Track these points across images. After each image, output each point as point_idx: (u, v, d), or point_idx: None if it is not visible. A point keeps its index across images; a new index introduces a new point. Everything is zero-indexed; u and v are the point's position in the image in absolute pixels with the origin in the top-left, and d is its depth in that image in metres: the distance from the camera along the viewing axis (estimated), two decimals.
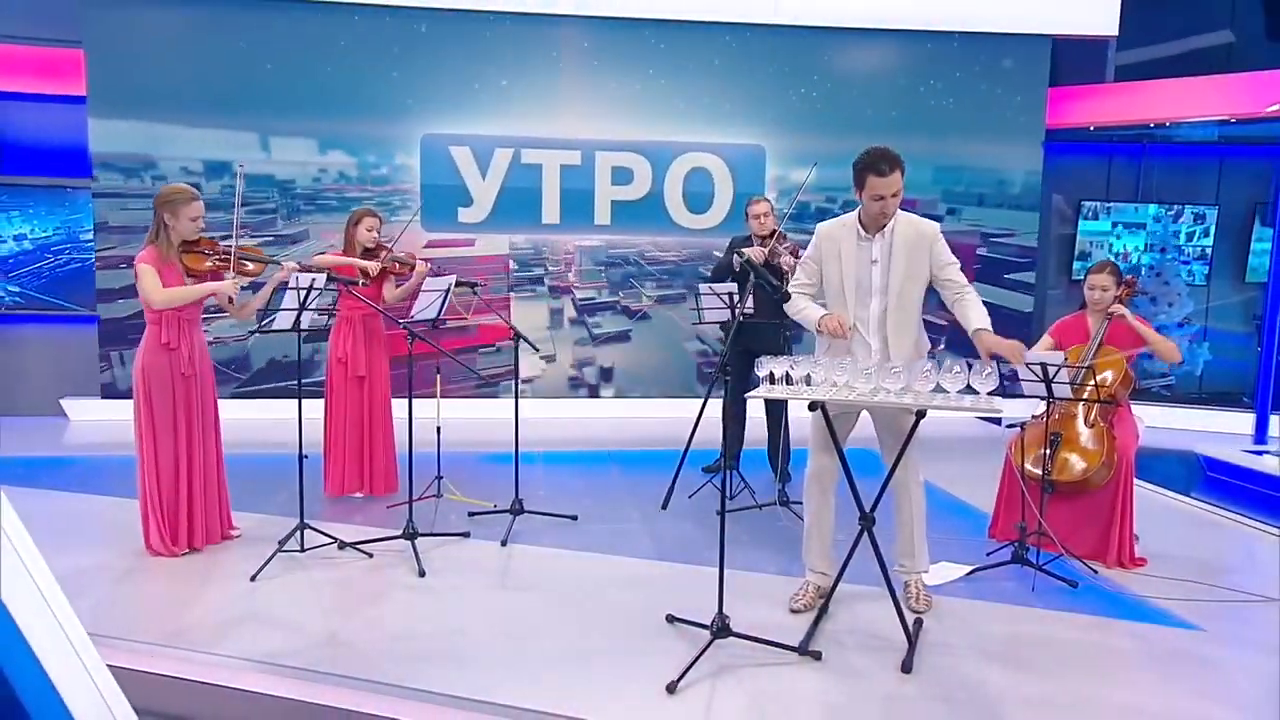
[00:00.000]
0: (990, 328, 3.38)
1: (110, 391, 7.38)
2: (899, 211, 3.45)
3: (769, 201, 5.24)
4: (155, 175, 7.23)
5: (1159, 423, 7.67)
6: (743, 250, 4.17)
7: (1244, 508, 5.09)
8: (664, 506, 2.97)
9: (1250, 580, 4.01)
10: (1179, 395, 8.46)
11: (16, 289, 7.52)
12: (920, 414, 3.15)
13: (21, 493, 5.06)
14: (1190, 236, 8.42)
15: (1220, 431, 7.38)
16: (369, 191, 7.54)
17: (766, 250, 4.91)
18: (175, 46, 7.21)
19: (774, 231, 5.04)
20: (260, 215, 7.46)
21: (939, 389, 3.01)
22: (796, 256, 4.81)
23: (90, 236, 7.39)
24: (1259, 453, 5.66)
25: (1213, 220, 8.37)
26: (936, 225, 3.49)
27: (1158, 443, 6.88)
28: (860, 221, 3.45)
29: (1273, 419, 7.06)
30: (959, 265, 3.49)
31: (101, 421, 7.17)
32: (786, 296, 3.48)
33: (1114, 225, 8.49)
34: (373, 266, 4.78)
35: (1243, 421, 7.39)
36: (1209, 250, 8.42)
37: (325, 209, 7.52)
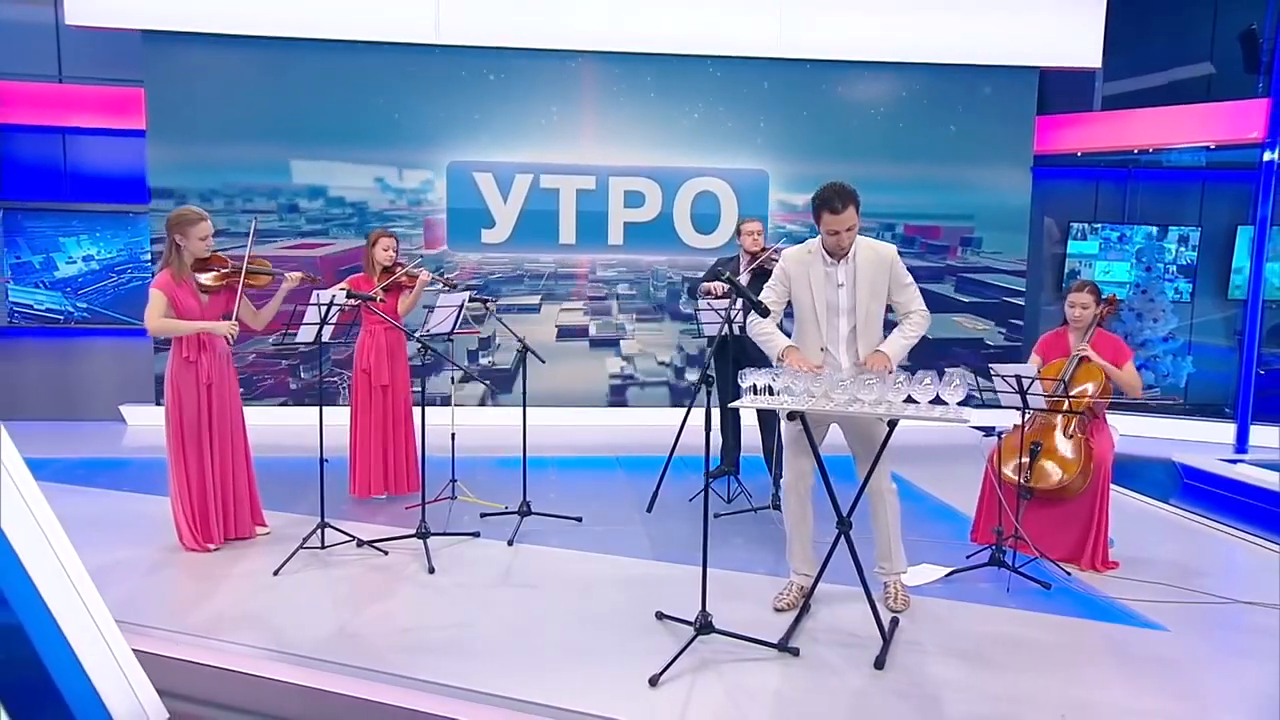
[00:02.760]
0: (892, 352, 3.35)
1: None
2: (859, 237, 3.41)
3: (760, 222, 5.32)
4: (205, 201, 7.33)
5: (1144, 433, 7.52)
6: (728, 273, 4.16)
7: (1219, 514, 4.95)
8: (649, 510, 2.94)
9: (1219, 584, 3.90)
10: (1164, 406, 8.28)
11: (84, 305, 7.66)
12: (893, 423, 3.11)
13: (81, 491, 5.16)
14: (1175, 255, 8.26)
15: (1204, 441, 7.20)
16: (402, 212, 7.59)
17: (758, 262, 4.97)
18: (228, 84, 7.32)
19: (764, 248, 5.16)
20: (271, 227, 7.56)
21: (910, 399, 2.96)
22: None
23: (149, 257, 7.51)
24: (1234, 461, 5.50)
25: (1196, 240, 8.22)
26: (894, 248, 3.47)
27: (1140, 451, 6.72)
28: (824, 248, 3.42)
29: (1253, 429, 6.90)
30: (915, 289, 3.48)
31: (157, 426, 7.24)
32: (768, 311, 3.44)
33: (1101, 245, 8.35)
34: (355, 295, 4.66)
35: (1225, 431, 7.22)
36: (1193, 268, 8.26)
37: (355, 227, 7.56)
